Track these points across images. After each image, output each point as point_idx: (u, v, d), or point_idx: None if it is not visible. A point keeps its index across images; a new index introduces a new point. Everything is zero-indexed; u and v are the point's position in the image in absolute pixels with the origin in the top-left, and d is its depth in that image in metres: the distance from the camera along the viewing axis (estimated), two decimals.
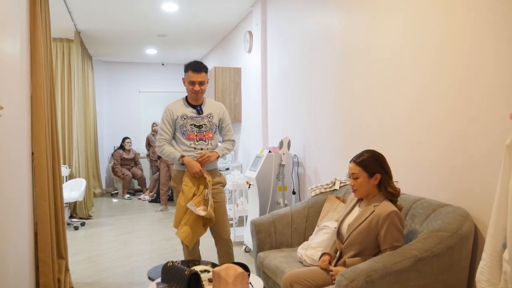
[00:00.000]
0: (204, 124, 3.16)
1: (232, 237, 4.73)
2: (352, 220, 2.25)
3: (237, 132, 6.44)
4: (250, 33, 5.64)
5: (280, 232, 3.13)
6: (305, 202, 3.30)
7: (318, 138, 3.89)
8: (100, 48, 7.97)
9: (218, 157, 3.17)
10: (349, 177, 2.28)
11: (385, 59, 2.88)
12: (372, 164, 2.21)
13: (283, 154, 4.10)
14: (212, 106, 3.24)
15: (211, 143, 3.18)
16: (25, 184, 2.95)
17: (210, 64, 8.15)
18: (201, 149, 3.14)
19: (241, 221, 5.43)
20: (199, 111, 3.16)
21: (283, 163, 4.11)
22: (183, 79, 3.17)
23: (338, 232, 2.33)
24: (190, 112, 3.16)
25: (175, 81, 9.62)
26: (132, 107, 9.58)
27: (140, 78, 9.62)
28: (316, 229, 3.05)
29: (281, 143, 4.12)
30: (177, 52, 8.45)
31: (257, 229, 3.09)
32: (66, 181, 6.23)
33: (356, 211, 2.31)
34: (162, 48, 8.03)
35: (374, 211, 2.16)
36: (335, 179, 3.30)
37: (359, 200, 2.35)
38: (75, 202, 6.18)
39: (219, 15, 5.84)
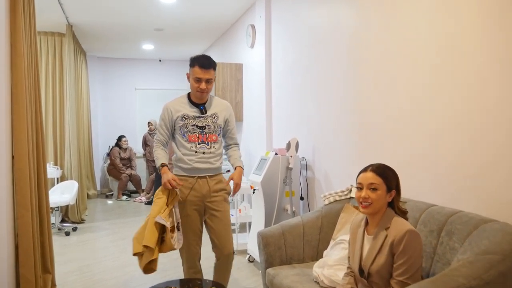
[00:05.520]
0: (208, 125, 2.82)
1: (234, 245, 4.42)
2: (365, 254, 1.91)
3: (238, 132, 6.11)
4: (253, 26, 5.31)
5: (290, 245, 2.80)
6: (317, 211, 2.98)
7: (329, 140, 3.56)
8: (94, 43, 7.61)
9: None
10: (359, 188, 1.93)
11: (401, 53, 2.55)
12: (392, 178, 1.92)
13: (291, 156, 3.78)
14: (217, 105, 2.90)
15: (214, 146, 2.84)
16: (3, 192, 2.62)
17: None
18: (203, 153, 2.80)
19: (243, 226, 5.09)
20: (203, 111, 2.82)
21: (290, 166, 3.78)
22: (187, 74, 2.82)
23: (360, 270, 1.96)
24: (192, 111, 2.81)
25: (172, 78, 9.28)
26: (128, 105, 9.23)
27: (136, 74, 9.26)
28: (331, 242, 2.73)
29: (289, 145, 3.79)
30: (175, 48, 8.10)
31: (266, 242, 2.76)
32: (57, 183, 5.90)
33: (368, 241, 1.95)
34: (159, 44, 7.68)
35: (386, 235, 1.84)
36: (351, 186, 2.98)
37: (365, 225, 2.00)
38: (67, 206, 5.84)
39: (219, 7, 5.50)
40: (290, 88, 4.31)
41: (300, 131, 4.09)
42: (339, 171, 3.42)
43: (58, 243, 4.99)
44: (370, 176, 1.90)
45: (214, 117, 2.84)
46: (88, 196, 7.85)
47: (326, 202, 3.00)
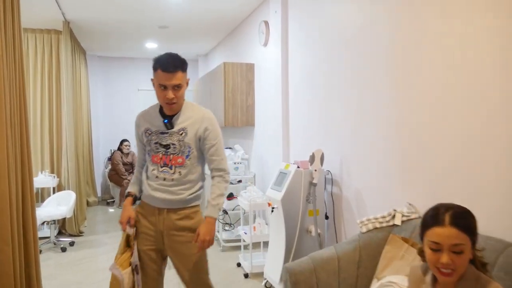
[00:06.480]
0: (172, 144, 2.22)
1: (248, 267, 3.95)
2: None
3: (249, 138, 5.63)
4: (266, 23, 4.83)
5: (324, 284, 2.33)
6: (354, 241, 2.50)
7: (362, 152, 3.08)
8: (94, 42, 7.14)
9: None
10: (436, 249, 1.39)
11: (458, 53, 2.07)
12: (475, 227, 1.41)
13: (315, 170, 3.30)
14: (190, 117, 2.25)
15: (179, 172, 2.22)
16: None
17: (218, 60, 7.33)
18: (164, 179, 2.22)
19: (256, 244, 4.59)
20: (167, 125, 2.24)
21: (314, 181, 3.30)
22: (152, 80, 2.22)
23: None
24: (157, 125, 2.26)
25: None
26: (131, 107, 8.75)
27: (139, 75, 8.76)
28: (374, 282, 2.25)
29: (313, 157, 3.31)
30: (180, 47, 7.61)
31: (295, 280, 2.29)
32: (53, 192, 5.44)
33: None
34: (163, 42, 7.21)
35: None
36: (394, 210, 2.50)
37: (433, 283, 1.49)
38: (64, 218, 5.39)
39: (229, 2, 5.02)
40: (312, 91, 3.83)
41: (324, 140, 3.61)
42: (375, 189, 2.94)
43: (53, 261, 4.53)
44: (453, 235, 1.36)
45: (182, 133, 2.22)
46: (88, 204, 7.41)
47: (364, 229, 2.52)
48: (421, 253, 1.55)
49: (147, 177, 2.29)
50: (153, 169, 2.25)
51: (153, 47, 7.64)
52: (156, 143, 2.24)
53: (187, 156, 2.23)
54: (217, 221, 4.91)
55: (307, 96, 3.92)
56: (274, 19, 4.53)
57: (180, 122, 2.23)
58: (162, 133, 2.23)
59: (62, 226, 5.58)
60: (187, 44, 7.39)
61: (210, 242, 2.19)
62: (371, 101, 2.94)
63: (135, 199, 2.36)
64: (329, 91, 3.52)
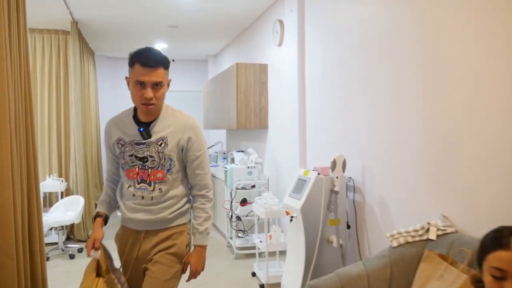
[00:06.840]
0: (151, 156, 1.90)
1: (263, 277, 3.78)
2: None
3: (262, 140, 5.45)
4: (281, 22, 4.66)
5: None
6: (384, 256, 2.31)
7: (387, 158, 2.89)
8: (102, 42, 7.01)
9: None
10: (498, 276, 1.21)
11: (494, 53, 1.89)
12: None
13: (336, 177, 3.12)
14: (170, 124, 1.94)
15: (160, 188, 1.92)
16: None
17: (228, 60, 7.16)
18: (142, 197, 1.91)
19: (272, 252, 4.39)
20: (144, 134, 1.91)
21: (336, 189, 3.12)
22: (127, 78, 1.94)
23: None
24: (131, 134, 1.94)
25: (187, 80, 8.66)
26: None
27: None
28: None
29: (334, 163, 3.13)
30: (190, 47, 7.46)
31: None
32: (62, 197, 5.31)
33: None
34: (173, 42, 7.05)
35: None
36: (428, 224, 2.31)
37: None
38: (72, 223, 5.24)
39: (241, 1, 4.85)
40: (330, 92, 3.64)
41: (345, 145, 3.42)
42: (401, 197, 2.75)
43: (61, 269, 4.39)
44: None
45: (161, 143, 1.90)
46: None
47: (395, 244, 2.33)
48: (475, 282, 1.37)
49: (122, 196, 1.98)
50: (129, 186, 1.94)
51: (163, 47, 7.48)
52: (131, 155, 1.92)
53: (168, 170, 1.92)
54: (230, 228, 4.81)
55: (326, 98, 3.74)
56: (289, 18, 4.36)
57: (159, 131, 1.92)
58: (138, 143, 1.91)
59: (71, 232, 5.45)
60: (197, 44, 7.23)
61: (202, 271, 2.01)
62: (396, 102, 2.75)
63: (106, 219, 2.05)
64: (350, 92, 3.33)
